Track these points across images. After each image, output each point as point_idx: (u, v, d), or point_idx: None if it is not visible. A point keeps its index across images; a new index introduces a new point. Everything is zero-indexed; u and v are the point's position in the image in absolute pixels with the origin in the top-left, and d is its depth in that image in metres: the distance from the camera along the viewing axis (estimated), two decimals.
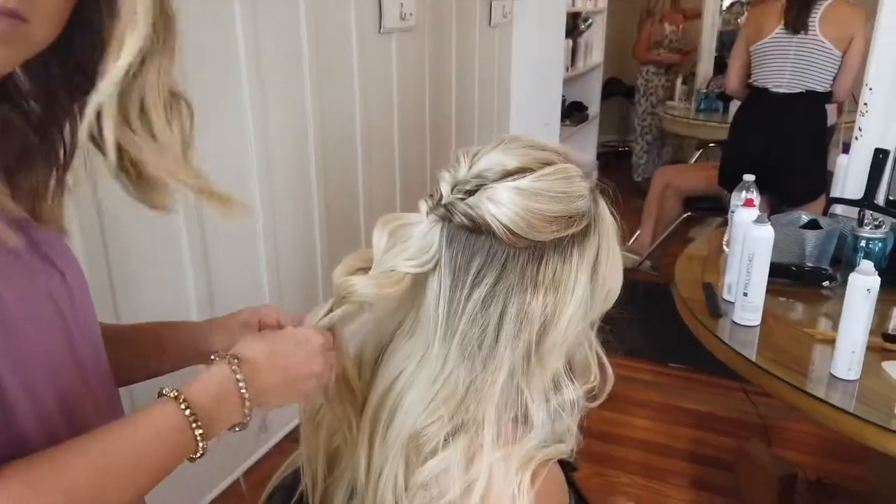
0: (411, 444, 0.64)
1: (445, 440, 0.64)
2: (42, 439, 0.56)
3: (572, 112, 4.92)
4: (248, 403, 0.60)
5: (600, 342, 0.72)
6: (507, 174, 0.63)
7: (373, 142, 2.52)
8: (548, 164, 0.64)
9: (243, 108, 1.86)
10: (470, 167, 0.64)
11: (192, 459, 0.57)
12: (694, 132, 4.36)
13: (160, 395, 0.57)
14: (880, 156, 1.70)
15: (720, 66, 4.93)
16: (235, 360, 0.60)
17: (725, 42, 5.08)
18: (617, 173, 4.75)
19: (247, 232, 1.96)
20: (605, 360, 0.72)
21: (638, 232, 3.44)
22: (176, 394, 0.56)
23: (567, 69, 4.34)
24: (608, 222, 0.68)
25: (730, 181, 2.80)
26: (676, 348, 2.45)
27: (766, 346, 1.35)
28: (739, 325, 1.41)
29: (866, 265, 1.15)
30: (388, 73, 2.61)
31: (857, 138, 1.74)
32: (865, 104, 1.70)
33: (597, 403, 0.70)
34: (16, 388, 0.56)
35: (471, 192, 0.63)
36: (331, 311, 0.67)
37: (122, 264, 1.56)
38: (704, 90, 4.44)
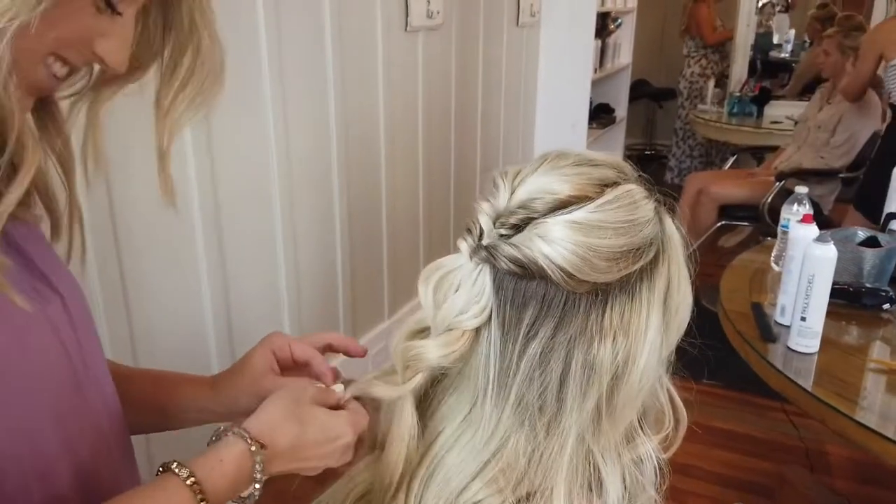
0: None
1: None
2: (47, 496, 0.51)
3: (599, 114, 4.80)
4: (257, 484, 0.55)
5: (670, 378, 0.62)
6: (560, 205, 0.52)
7: (396, 141, 2.45)
8: (606, 184, 0.54)
9: (264, 105, 1.79)
10: (511, 193, 0.54)
11: None
12: (726, 136, 4.22)
13: (165, 468, 0.52)
14: None
15: (753, 68, 4.79)
16: (258, 446, 0.55)
17: (759, 44, 4.93)
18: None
19: (265, 233, 1.89)
20: (677, 400, 0.61)
21: None
22: (192, 481, 0.51)
23: (595, 70, 4.23)
24: (676, 242, 0.57)
25: (868, 205, 2.60)
26: (711, 364, 2.34)
27: (826, 377, 1.24)
28: (795, 351, 1.30)
29: None
30: (414, 71, 2.54)
31: None
32: None
33: (671, 452, 0.60)
34: (12, 439, 0.49)
35: (516, 227, 0.52)
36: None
37: (136, 268, 1.50)
38: (738, 93, 4.30)
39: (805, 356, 1.29)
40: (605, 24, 4.58)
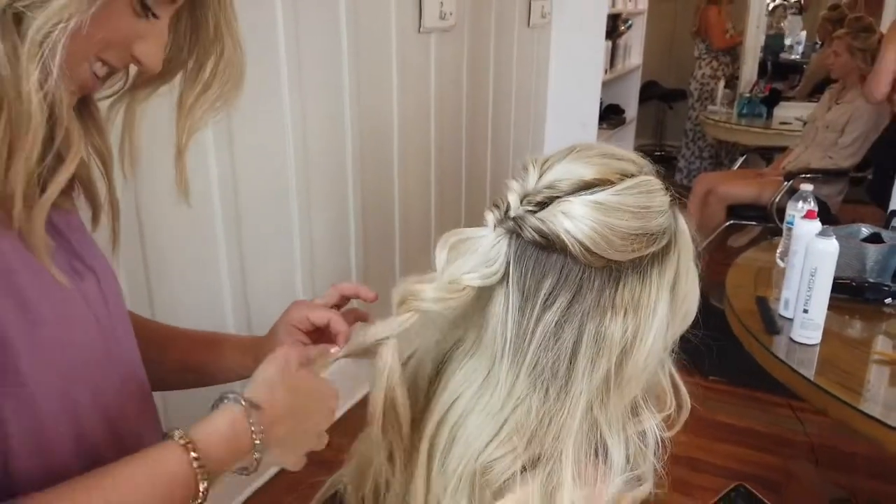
0: (479, 479, 0.59)
1: (522, 473, 0.59)
2: (86, 466, 0.54)
3: (609, 115, 4.83)
4: (257, 453, 0.58)
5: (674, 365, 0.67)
6: (584, 186, 0.57)
7: (409, 140, 2.49)
8: (627, 175, 0.59)
9: (282, 105, 1.83)
10: (540, 176, 0.59)
11: None
12: (735, 137, 4.24)
13: (166, 436, 0.55)
14: None
15: (764, 70, 4.80)
16: (253, 410, 0.58)
17: (770, 45, 4.94)
18: None
19: (283, 229, 1.94)
20: (679, 384, 0.66)
21: None
22: (188, 443, 0.54)
23: (605, 71, 4.26)
24: (687, 238, 0.62)
25: (882, 194, 2.61)
26: (716, 360, 2.38)
27: (829, 367, 1.28)
28: (798, 343, 1.34)
29: None
30: (427, 72, 2.58)
31: None
32: None
33: (673, 432, 0.65)
34: (51, 400, 0.53)
35: (542, 205, 0.58)
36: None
37: (159, 264, 1.54)
38: (748, 94, 4.32)
39: (807, 347, 1.33)
40: (615, 26, 4.60)
